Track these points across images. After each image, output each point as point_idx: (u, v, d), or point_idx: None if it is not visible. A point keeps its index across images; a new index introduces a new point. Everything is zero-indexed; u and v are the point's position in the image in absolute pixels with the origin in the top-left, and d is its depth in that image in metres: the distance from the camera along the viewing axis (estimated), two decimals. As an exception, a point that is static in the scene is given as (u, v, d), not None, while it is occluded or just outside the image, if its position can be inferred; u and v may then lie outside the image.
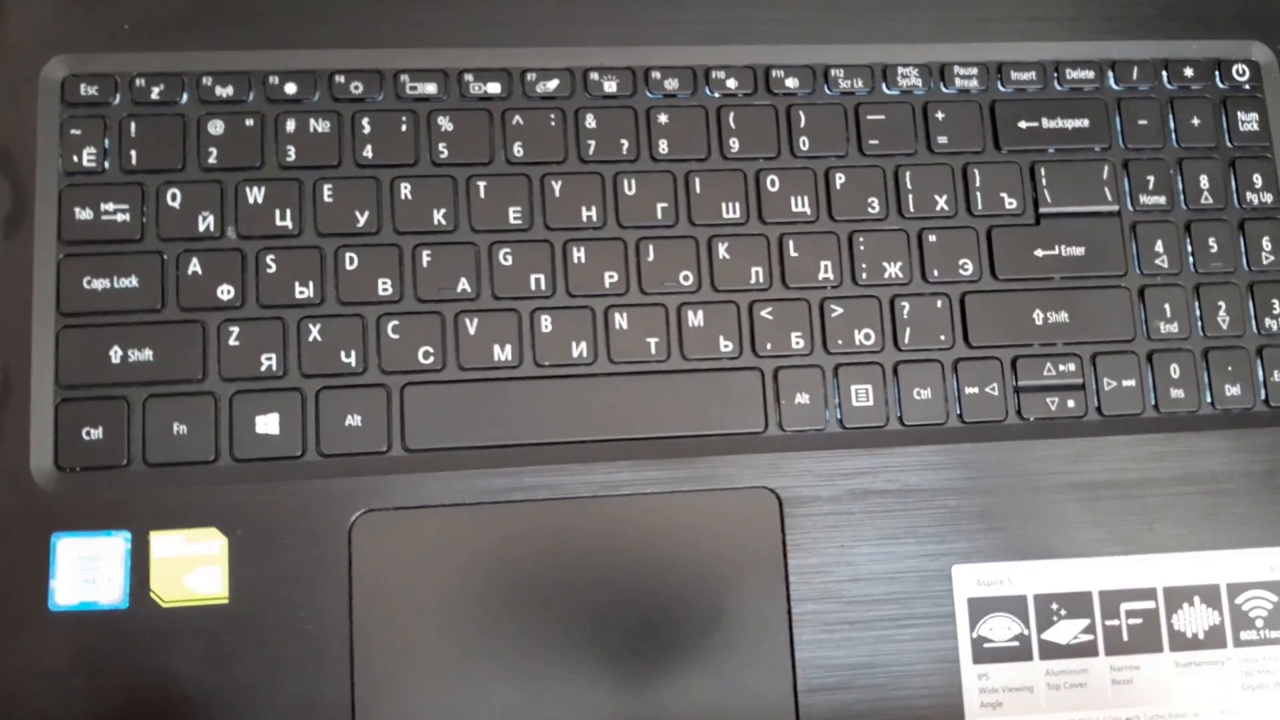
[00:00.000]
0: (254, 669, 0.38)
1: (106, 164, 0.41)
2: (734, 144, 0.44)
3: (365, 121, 0.42)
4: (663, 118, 0.43)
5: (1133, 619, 0.42)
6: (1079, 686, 0.41)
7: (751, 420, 0.42)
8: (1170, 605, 0.42)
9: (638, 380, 0.42)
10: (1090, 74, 0.46)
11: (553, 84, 0.43)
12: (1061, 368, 0.43)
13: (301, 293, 0.41)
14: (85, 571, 0.39)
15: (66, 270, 0.40)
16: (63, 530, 0.39)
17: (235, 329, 0.40)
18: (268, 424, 0.40)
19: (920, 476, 0.42)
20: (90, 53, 0.42)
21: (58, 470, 0.39)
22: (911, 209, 0.44)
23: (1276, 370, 0.44)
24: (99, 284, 0.40)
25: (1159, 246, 0.45)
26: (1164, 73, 0.46)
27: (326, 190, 0.42)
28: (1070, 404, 0.43)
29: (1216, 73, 0.46)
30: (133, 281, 0.40)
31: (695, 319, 0.42)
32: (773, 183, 0.43)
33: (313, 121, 0.42)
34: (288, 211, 0.41)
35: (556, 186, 0.43)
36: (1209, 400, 0.44)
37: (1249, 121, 0.46)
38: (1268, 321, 0.44)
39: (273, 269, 0.41)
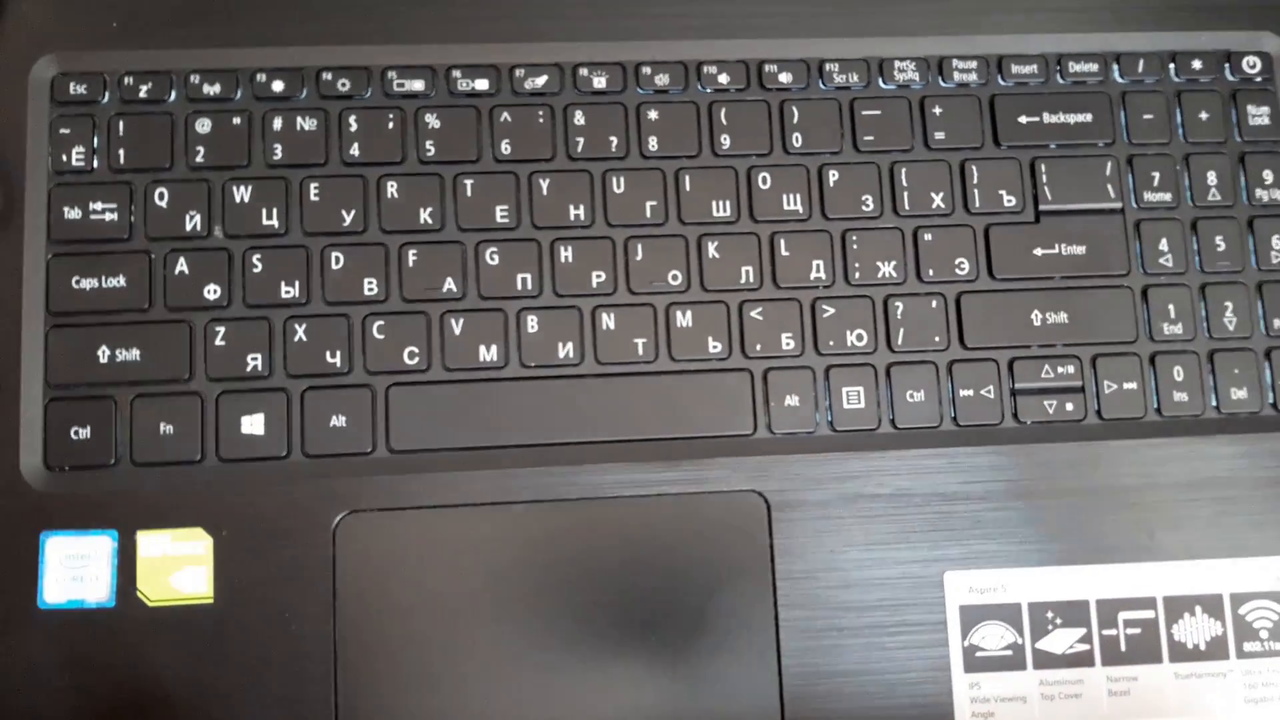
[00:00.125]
0: (238, 669, 0.38)
1: (95, 163, 0.41)
2: (725, 140, 0.43)
3: (352, 119, 0.42)
4: (653, 114, 0.43)
5: (1131, 629, 0.41)
6: (1074, 697, 0.40)
7: (740, 422, 0.41)
8: (1171, 615, 0.41)
9: (625, 381, 0.41)
10: (1094, 67, 0.44)
11: (541, 80, 0.43)
12: (1060, 370, 0.42)
13: (287, 292, 0.41)
14: (73, 570, 0.39)
15: (55, 270, 0.40)
16: (52, 529, 0.39)
17: (221, 329, 0.40)
18: (253, 424, 0.40)
19: (912, 481, 0.41)
20: (80, 51, 0.42)
21: (47, 469, 0.39)
22: (907, 207, 0.43)
23: (1286, 373, 0.43)
24: (87, 284, 0.40)
25: (1163, 245, 0.43)
26: (1171, 65, 0.45)
27: (313, 189, 0.41)
28: (1069, 407, 0.42)
29: (1226, 65, 0.45)
30: (120, 281, 0.41)
31: (684, 319, 0.42)
32: (764, 180, 0.43)
33: (299, 119, 0.42)
34: (274, 210, 0.41)
35: (544, 185, 0.42)
36: (1214, 404, 0.43)
37: (1259, 115, 0.44)
38: (1277, 323, 0.43)
39: (259, 269, 0.41)
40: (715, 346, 0.42)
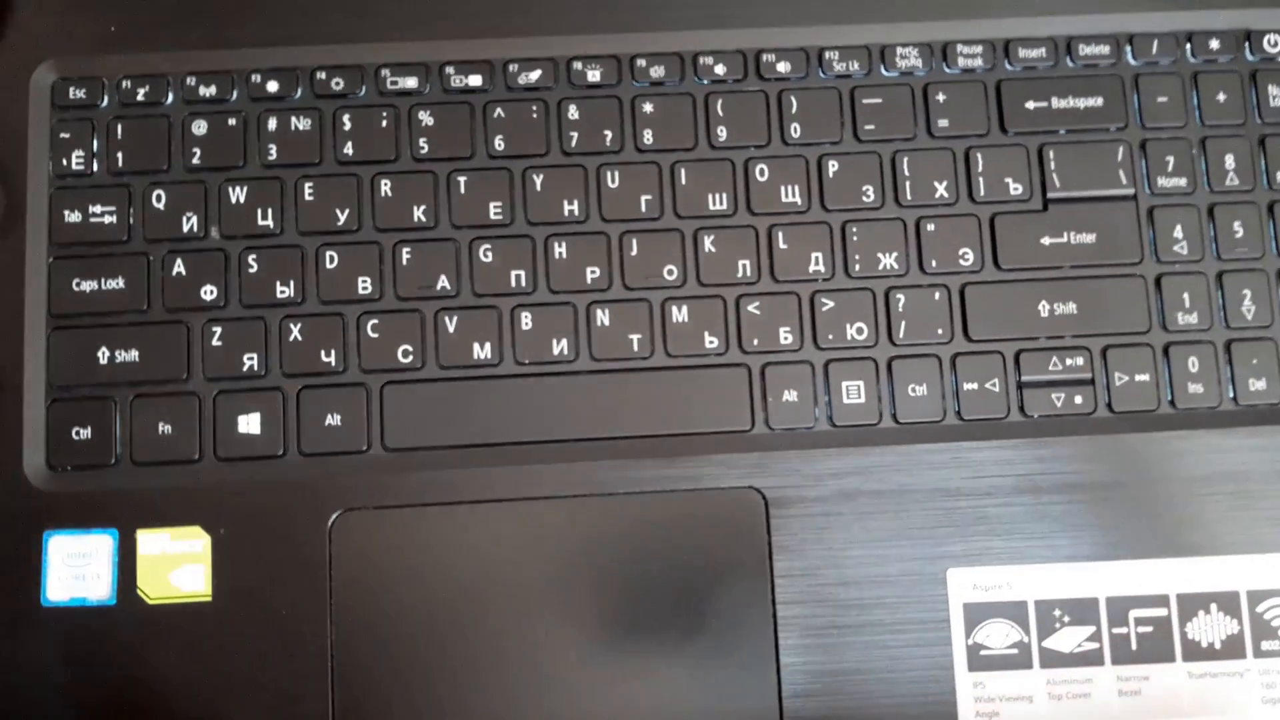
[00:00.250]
0: (236, 666, 0.39)
1: (95, 166, 0.42)
2: (722, 133, 0.42)
3: (346, 118, 0.42)
4: (648, 107, 0.42)
5: (1142, 627, 0.40)
6: (1082, 697, 0.39)
7: (737, 418, 0.41)
8: (1184, 613, 0.40)
9: (620, 378, 0.41)
10: (1105, 49, 0.43)
11: (535, 75, 0.42)
12: (1069, 362, 0.41)
13: (282, 292, 0.41)
14: (75, 568, 0.39)
15: (56, 273, 0.41)
16: (54, 528, 0.39)
17: (218, 329, 0.41)
18: (249, 423, 0.40)
19: (914, 477, 0.40)
20: (79, 56, 0.42)
21: (49, 469, 0.40)
22: (909, 197, 0.42)
23: (1307, 363, 0.41)
24: (87, 286, 0.41)
25: (1178, 232, 0.42)
26: (1187, 45, 0.43)
27: (307, 188, 0.42)
28: (1078, 400, 0.41)
29: (1246, 44, 0.43)
30: (120, 283, 0.41)
31: (680, 314, 0.41)
32: (762, 172, 0.42)
33: (294, 119, 0.42)
34: (269, 211, 0.41)
35: (538, 180, 0.42)
36: (1231, 395, 0.41)
37: (1280, 96, 0.43)
38: (1297, 311, 0.41)
39: (254, 269, 0.41)
40: (712, 342, 0.41)
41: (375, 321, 0.41)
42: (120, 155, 0.42)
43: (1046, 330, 0.41)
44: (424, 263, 0.41)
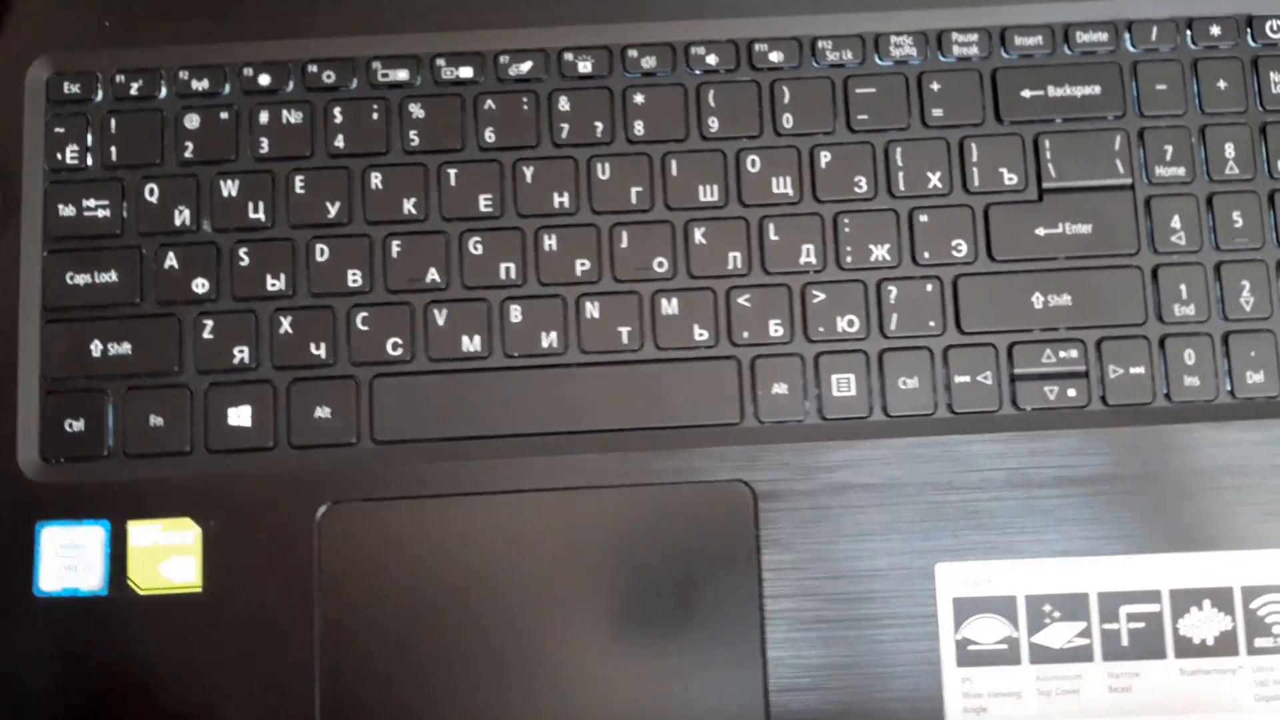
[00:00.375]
0: (224, 656, 0.39)
1: (89, 160, 0.42)
2: (713, 123, 0.42)
3: (337, 111, 0.42)
4: (639, 98, 0.42)
5: (1134, 623, 0.39)
6: (1072, 693, 0.39)
7: (727, 411, 0.41)
8: (1177, 609, 0.39)
9: (609, 371, 0.41)
10: (1104, 36, 0.42)
11: (526, 66, 0.42)
12: (1063, 354, 0.41)
13: (273, 285, 0.41)
14: (67, 559, 0.40)
15: (50, 266, 0.41)
16: (47, 519, 0.40)
17: (209, 322, 0.41)
18: (240, 416, 0.40)
19: (904, 470, 0.40)
20: (74, 51, 0.43)
21: (43, 461, 0.40)
22: (902, 188, 0.42)
23: (1307, 356, 0.40)
24: (81, 279, 0.41)
25: (1176, 222, 0.41)
26: (1188, 32, 0.42)
27: (298, 182, 0.42)
28: (1071, 393, 0.40)
29: (1249, 30, 0.42)
30: (113, 276, 0.41)
31: (669, 307, 0.41)
32: (753, 163, 0.42)
33: (285, 112, 0.42)
34: (260, 204, 0.42)
35: (528, 172, 0.42)
36: (1228, 389, 0.41)
37: (1284, 82, 0.42)
38: (1297, 302, 0.41)
39: (245, 262, 0.41)
40: (702, 334, 0.41)
41: (365, 314, 0.41)
42: (114, 149, 0.42)
43: (1040, 322, 0.41)
44: (414, 255, 0.41)
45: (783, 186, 0.42)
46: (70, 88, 0.42)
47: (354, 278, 0.41)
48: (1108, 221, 0.41)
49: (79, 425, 0.40)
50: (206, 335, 0.41)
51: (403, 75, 0.42)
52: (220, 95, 0.42)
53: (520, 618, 0.39)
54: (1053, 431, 0.40)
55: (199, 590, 0.40)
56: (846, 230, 0.41)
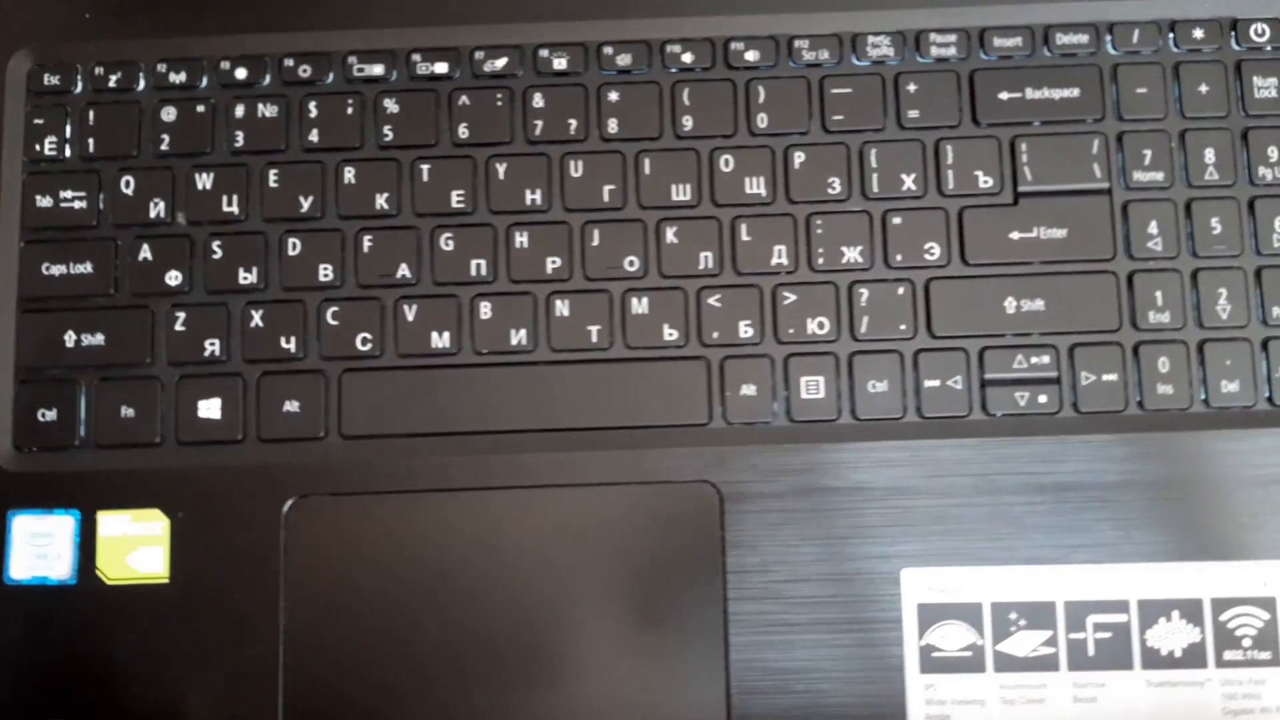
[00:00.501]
0: (189, 647, 0.39)
1: (67, 152, 0.42)
2: (687, 122, 0.42)
3: (312, 105, 0.42)
4: (613, 95, 0.42)
5: (1101, 633, 0.39)
6: (1036, 702, 0.39)
7: (695, 412, 0.40)
8: (1145, 619, 0.39)
9: (578, 369, 0.41)
10: (1085, 38, 0.42)
11: (501, 62, 0.42)
12: (1034, 360, 0.40)
13: (245, 278, 0.41)
14: (38, 547, 0.40)
15: (27, 257, 0.42)
16: (18, 507, 0.40)
17: (182, 314, 0.41)
18: (210, 408, 0.41)
19: (872, 474, 0.40)
20: (54, 44, 0.43)
21: (15, 450, 0.41)
22: (876, 189, 0.41)
23: (1284, 365, 0.40)
24: (56, 270, 0.42)
25: (1153, 228, 0.41)
26: (1170, 34, 0.42)
27: (272, 175, 0.42)
28: (1042, 399, 0.40)
29: (1233, 33, 0.42)
30: (88, 267, 0.42)
31: (640, 306, 0.41)
32: (726, 163, 0.42)
33: (260, 106, 0.42)
34: (234, 197, 0.42)
35: (501, 169, 0.42)
36: (1203, 397, 0.40)
37: (1266, 87, 0.41)
38: (1275, 311, 0.40)
39: (218, 255, 0.41)
40: (671, 334, 0.41)
41: (335, 309, 0.41)
42: (92, 141, 0.42)
43: (1012, 327, 0.40)
44: (385, 250, 0.41)
45: (756, 187, 0.41)
46: (50, 80, 0.42)
47: (325, 272, 0.41)
48: (1083, 226, 0.41)
49: (52, 415, 0.41)
50: (178, 327, 0.41)
51: (378, 70, 0.42)
52: (197, 88, 0.42)
53: (483, 614, 0.39)
54: (1023, 438, 0.40)
55: (166, 581, 0.40)
56: (819, 232, 0.41)
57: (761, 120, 0.42)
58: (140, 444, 0.41)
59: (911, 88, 0.42)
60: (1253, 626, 0.39)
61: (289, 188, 0.42)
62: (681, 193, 0.41)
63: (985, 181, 0.41)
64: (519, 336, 0.41)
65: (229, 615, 0.39)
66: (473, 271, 0.41)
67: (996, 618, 0.39)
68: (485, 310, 0.41)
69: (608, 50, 0.42)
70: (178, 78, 0.42)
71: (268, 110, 0.42)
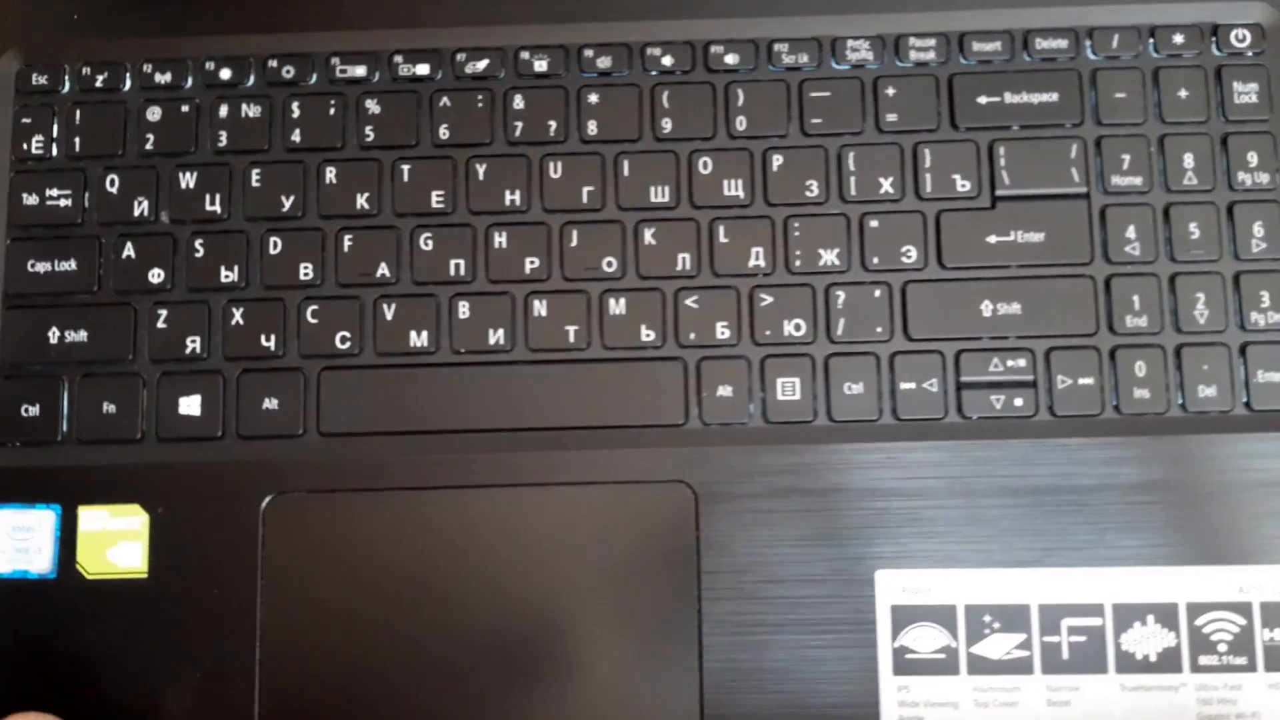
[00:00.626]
0: (166, 643, 0.40)
1: (54, 151, 0.43)
2: (666, 124, 0.42)
3: (295, 105, 0.42)
4: (593, 97, 0.42)
5: (1075, 636, 0.39)
6: (1010, 705, 0.39)
7: (671, 412, 0.41)
8: (1120, 623, 0.39)
9: (555, 369, 0.41)
10: (1064, 43, 0.42)
11: (482, 64, 0.43)
12: (1010, 363, 0.40)
13: (226, 277, 0.42)
14: (18, 541, 0.40)
15: (12, 254, 0.42)
16: (0, 502, 0.41)
17: (163, 312, 0.41)
18: (190, 405, 0.41)
19: (846, 476, 0.40)
20: (43, 44, 0.43)
21: (-1, 445, 0.41)
22: (853, 192, 0.41)
23: (1261, 370, 0.40)
24: (41, 267, 0.42)
25: (1131, 232, 0.41)
26: (1150, 40, 0.42)
27: (254, 175, 0.42)
28: (1018, 403, 0.40)
29: (1213, 39, 0.42)
30: (72, 265, 0.42)
31: (617, 307, 0.41)
32: (705, 165, 0.42)
33: (244, 106, 0.43)
34: (216, 196, 0.42)
35: (480, 170, 0.42)
36: (1179, 402, 0.40)
37: (1246, 93, 0.41)
38: (1254, 316, 0.40)
39: (200, 253, 0.42)
40: (648, 335, 0.41)
41: (315, 307, 0.41)
42: (78, 140, 0.43)
43: (989, 330, 0.40)
44: (365, 250, 0.42)
45: (734, 189, 0.42)
46: (39, 80, 0.43)
47: (305, 271, 0.42)
48: (1061, 230, 0.41)
49: (34, 410, 0.41)
50: (160, 325, 0.41)
51: (361, 71, 0.43)
52: (182, 89, 0.43)
53: (459, 612, 0.39)
54: (998, 441, 0.40)
55: (144, 576, 0.40)
56: (796, 234, 0.41)
57: (740, 123, 0.42)
58: (121, 440, 0.41)
59: (890, 91, 0.42)
60: (1228, 632, 0.39)
61: (271, 187, 0.42)
62: (660, 194, 0.42)
63: (963, 185, 0.41)
64: (497, 336, 0.41)
65: (207, 610, 0.40)
66: (452, 271, 0.41)
67: (971, 620, 0.39)
68: (464, 310, 0.41)
69: (588, 53, 0.42)
70: (163, 78, 0.43)
71: (251, 110, 0.43)
